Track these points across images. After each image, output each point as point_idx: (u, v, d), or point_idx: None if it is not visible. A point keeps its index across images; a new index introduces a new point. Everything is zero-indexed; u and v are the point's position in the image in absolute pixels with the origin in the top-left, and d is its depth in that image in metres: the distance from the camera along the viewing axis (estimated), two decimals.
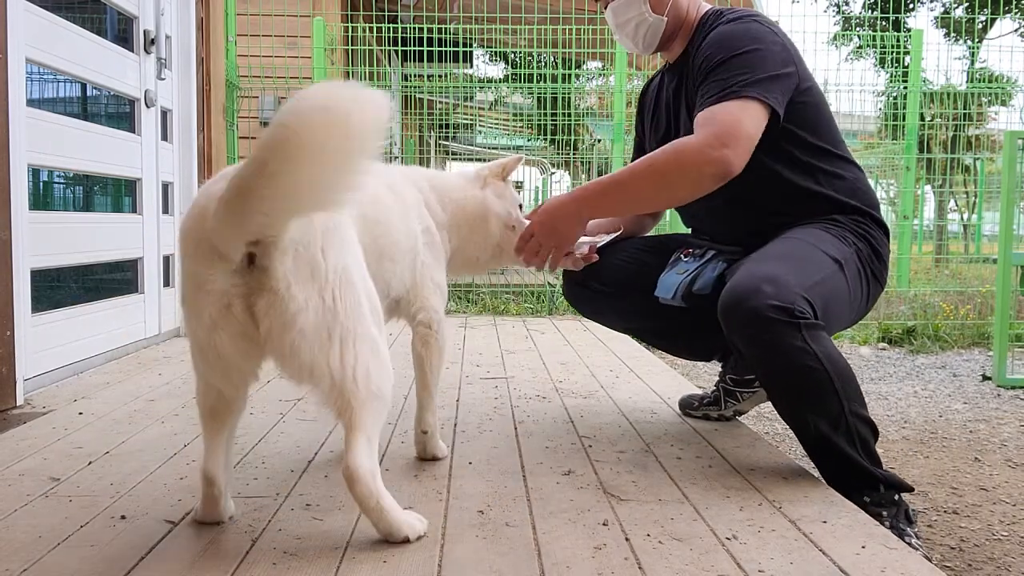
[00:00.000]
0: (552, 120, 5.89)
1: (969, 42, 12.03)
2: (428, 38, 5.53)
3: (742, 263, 1.70)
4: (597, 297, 2.09)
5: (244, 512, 1.42)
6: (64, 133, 2.72)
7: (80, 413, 2.15)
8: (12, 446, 1.83)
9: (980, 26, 12.20)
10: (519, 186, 8.01)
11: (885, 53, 5.96)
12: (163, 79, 3.38)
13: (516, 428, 2.06)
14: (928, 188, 7.56)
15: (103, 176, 3.08)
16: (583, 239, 1.95)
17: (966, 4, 13.29)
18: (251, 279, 1.17)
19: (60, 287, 2.81)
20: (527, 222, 1.87)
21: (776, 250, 1.70)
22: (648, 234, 2.24)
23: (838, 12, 15.74)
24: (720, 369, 2.20)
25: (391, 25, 5.81)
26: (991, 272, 5.11)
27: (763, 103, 1.67)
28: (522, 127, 13.32)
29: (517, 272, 6.98)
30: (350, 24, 6.01)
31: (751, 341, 1.56)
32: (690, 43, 1.92)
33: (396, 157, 7.27)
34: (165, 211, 3.48)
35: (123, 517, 1.39)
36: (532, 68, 6.36)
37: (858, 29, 12.42)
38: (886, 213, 7.91)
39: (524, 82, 6.51)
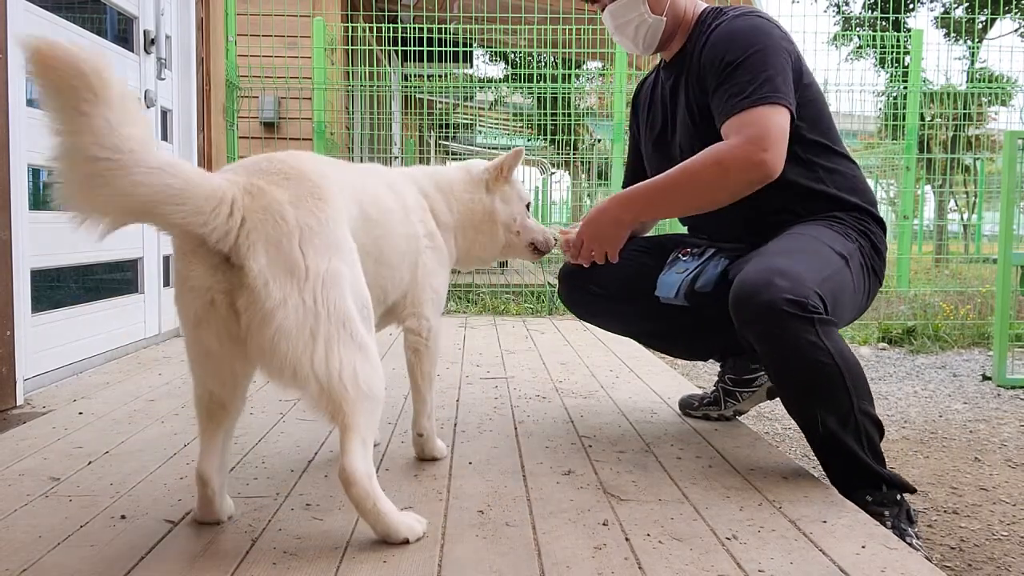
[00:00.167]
0: (552, 120, 5.89)
1: (969, 42, 12.04)
2: (428, 38, 5.53)
3: (749, 258, 1.70)
4: (596, 300, 2.08)
5: (244, 512, 1.42)
6: None
7: (80, 413, 2.15)
8: (12, 446, 1.83)
9: (980, 26, 12.20)
10: None
11: (885, 53, 5.96)
12: (163, 79, 3.38)
13: (516, 428, 2.06)
14: (928, 188, 7.56)
15: None
16: None
17: (966, 4, 13.29)
18: (232, 276, 1.17)
19: (60, 287, 2.81)
20: (533, 224, 1.91)
21: (784, 245, 1.70)
22: (645, 235, 2.24)
23: (838, 12, 15.74)
24: (719, 369, 2.20)
25: (391, 25, 5.81)
26: (991, 272, 5.11)
27: (786, 105, 1.70)
28: (522, 127, 13.32)
29: (517, 272, 6.98)
30: (350, 24, 6.01)
31: (764, 335, 1.56)
32: (688, 41, 1.92)
33: (396, 157, 7.27)
34: None
35: (123, 517, 1.39)
36: (532, 68, 6.35)
37: (858, 29, 12.42)
38: (886, 213, 7.92)
39: (524, 82, 6.51)
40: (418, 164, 2.27)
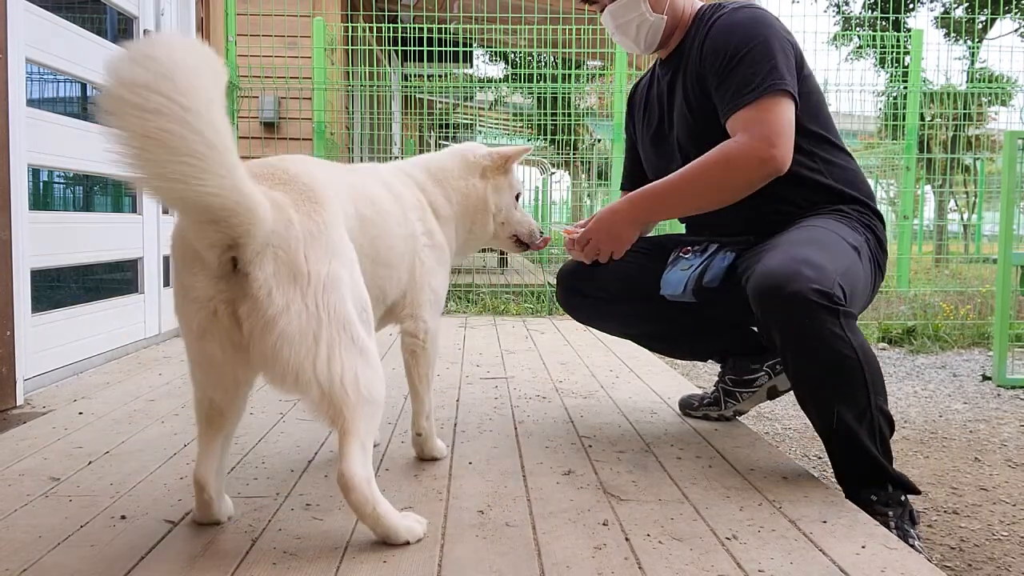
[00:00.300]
0: (552, 120, 5.89)
1: (969, 42, 12.03)
2: (428, 38, 5.53)
3: (764, 249, 1.69)
4: (597, 304, 2.07)
5: (244, 512, 1.42)
6: (64, 133, 2.72)
7: (80, 413, 2.15)
8: (12, 446, 1.83)
9: (980, 26, 12.20)
10: None
11: (885, 53, 5.96)
12: None
13: (516, 428, 2.06)
14: (928, 188, 7.56)
15: (103, 176, 3.08)
16: None
17: (966, 4, 13.28)
18: (234, 284, 1.16)
19: (60, 287, 2.81)
20: (519, 217, 1.88)
21: (802, 236, 1.69)
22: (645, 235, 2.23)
23: (838, 12, 15.73)
24: (719, 370, 2.20)
25: (391, 25, 5.81)
26: (991, 272, 5.11)
27: (788, 93, 1.71)
28: (522, 127, 13.33)
29: (517, 272, 6.98)
30: (350, 24, 6.01)
31: (789, 324, 1.54)
32: (685, 37, 1.93)
33: (396, 157, 7.27)
34: (165, 211, 3.47)
35: (123, 517, 1.40)
36: (532, 68, 6.35)
37: (858, 29, 12.42)
38: (886, 213, 7.91)
39: (524, 82, 6.51)
40: None
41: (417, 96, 9.21)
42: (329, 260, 1.22)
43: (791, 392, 2.33)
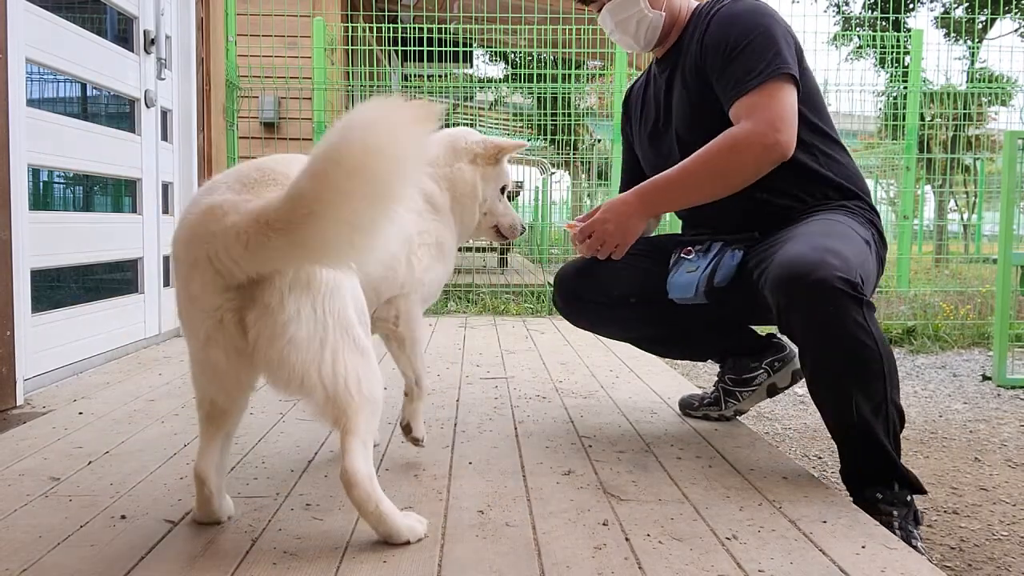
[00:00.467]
0: (552, 120, 5.89)
1: (969, 42, 12.03)
2: (428, 38, 5.53)
3: (781, 241, 1.67)
4: (597, 308, 2.06)
5: (244, 512, 1.42)
6: (64, 133, 2.72)
7: (80, 413, 2.15)
8: (12, 446, 1.83)
9: (980, 26, 12.20)
10: (519, 187, 8.01)
11: (885, 53, 5.96)
12: (163, 79, 3.38)
13: (516, 428, 2.06)
14: (928, 188, 7.55)
15: (103, 176, 3.08)
16: None
17: (966, 4, 13.29)
18: (244, 293, 1.16)
19: (60, 287, 2.81)
20: (502, 209, 1.85)
21: (819, 228, 1.69)
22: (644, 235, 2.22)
23: (838, 12, 15.74)
24: (719, 369, 2.20)
25: (391, 25, 5.81)
26: (991, 272, 5.11)
27: (791, 77, 1.72)
28: (522, 127, 13.32)
29: (517, 272, 6.98)
30: (350, 24, 6.01)
31: (813, 312, 1.52)
32: (684, 33, 1.95)
33: None
34: (165, 211, 3.48)
35: (123, 517, 1.39)
36: (532, 68, 6.35)
37: (858, 29, 12.42)
38: (886, 213, 7.91)
39: (524, 82, 6.51)
40: None
41: (417, 96, 9.21)
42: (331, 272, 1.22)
43: (790, 390, 2.34)
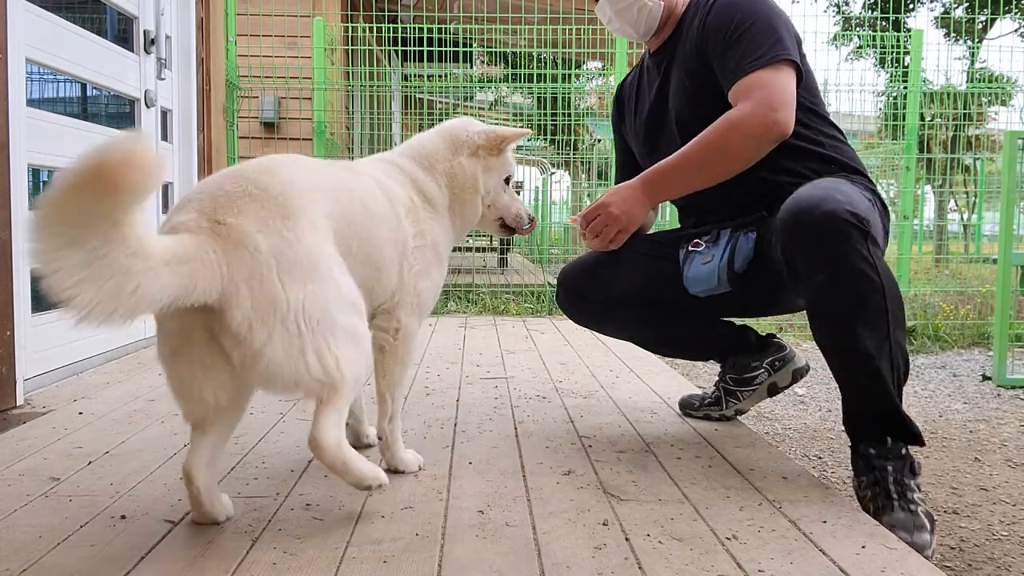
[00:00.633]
0: (552, 120, 5.89)
1: (969, 42, 12.03)
2: (428, 38, 5.53)
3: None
4: (600, 308, 2.06)
5: (244, 512, 1.42)
6: (64, 133, 2.72)
7: (80, 413, 2.15)
8: (12, 446, 1.83)
9: (980, 26, 12.20)
10: (519, 186, 8.00)
11: (885, 53, 5.96)
12: (163, 79, 3.38)
13: (516, 428, 2.06)
14: (928, 188, 7.55)
15: None
16: None
17: (966, 4, 13.29)
18: (211, 315, 1.17)
19: None
20: (507, 201, 1.81)
21: (824, 183, 1.68)
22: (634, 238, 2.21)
23: (838, 12, 15.74)
24: (720, 369, 2.20)
25: (391, 25, 5.81)
26: (991, 272, 5.11)
27: (792, 63, 1.74)
28: (522, 127, 13.33)
29: (517, 272, 6.98)
30: (350, 24, 6.01)
31: (822, 242, 1.52)
32: (681, 23, 1.96)
33: None
34: (165, 211, 3.48)
35: (123, 517, 1.39)
36: (532, 68, 6.34)
37: (858, 29, 12.42)
38: None
39: (524, 82, 6.51)
40: None
41: (417, 96, 9.21)
42: (305, 281, 1.22)
43: (790, 389, 2.34)
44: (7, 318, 2.23)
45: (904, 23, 9.24)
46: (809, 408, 3.07)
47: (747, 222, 1.86)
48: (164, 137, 3.49)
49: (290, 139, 5.94)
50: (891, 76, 6.86)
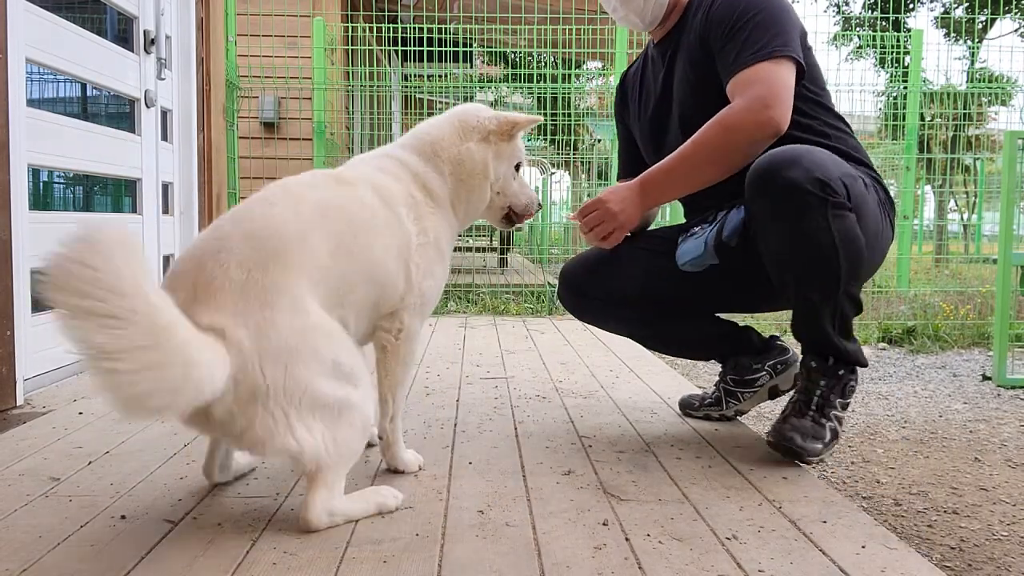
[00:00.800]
0: (552, 120, 5.89)
1: (969, 42, 12.04)
2: (428, 38, 5.53)
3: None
4: (602, 305, 2.06)
5: (244, 512, 1.42)
6: (64, 133, 2.72)
7: (80, 413, 2.15)
8: (12, 446, 1.83)
9: (980, 26, 12.20)
10: None
11: (885, 53, 5.96)
12: (163, 79, 3.38)
13: (516, 428, 2.06)
14: (928, 188, 7.56)
15: (103, 176, 3.08)
16: None
17: (966, 4, 13.29)
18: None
19: None
20: (517, 189, 1.78)
21: (799, 148, 1.69)
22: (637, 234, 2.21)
23: (838, 12, 15.74)
24: (721, 369, 2.20)
25: (391, 25, 5.81)
26: (991, 272, 5.11)
27: (793, 59, 1.73)
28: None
29: (517, 272, 6.98)
30: (350, 24, 6.01)
31: (777, 208, 1.61)
32: (686, 12, 1.95)
33: None
34: (165, 211, 3.48)
35: (123, 517, 1.40)
36: (532, 68, 6.35)
37: (858, 29, 12.42)
38: None
39: (524, 82, 6.51)
40: None
41: (417, 96, 9.21)
42: (288, 360, 1.24)
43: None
44: (7, 318, 2.23)
45: (904, 23, 9.24)
46: None
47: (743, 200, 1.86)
48: (164, 137, 3.49)
49: (290, 139, 5.95)
50: (891, 76, 6.86)
